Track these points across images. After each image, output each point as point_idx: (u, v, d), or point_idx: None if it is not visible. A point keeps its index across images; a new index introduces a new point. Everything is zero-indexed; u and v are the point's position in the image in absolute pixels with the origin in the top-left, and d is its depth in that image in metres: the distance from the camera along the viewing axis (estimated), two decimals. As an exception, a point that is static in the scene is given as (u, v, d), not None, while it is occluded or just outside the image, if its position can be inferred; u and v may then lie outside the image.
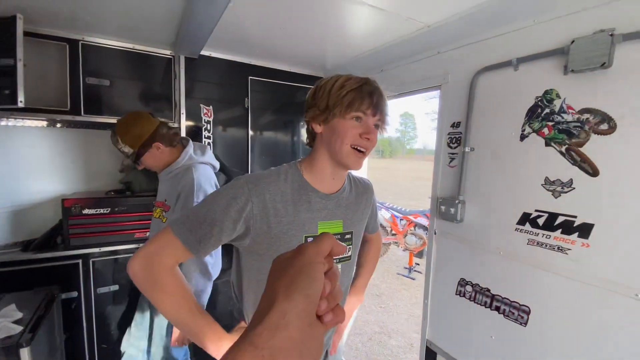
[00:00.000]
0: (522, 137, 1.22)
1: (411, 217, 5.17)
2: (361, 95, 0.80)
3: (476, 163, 1.40)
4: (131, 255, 1.82)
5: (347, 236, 0.95)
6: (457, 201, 1.44)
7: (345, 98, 0.80)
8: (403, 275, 4.86)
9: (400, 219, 5.30)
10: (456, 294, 1.50)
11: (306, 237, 0.85)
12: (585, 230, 1.05)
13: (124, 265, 1.87)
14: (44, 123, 1.93)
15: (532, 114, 1.19)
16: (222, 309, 2.05)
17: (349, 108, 0.80)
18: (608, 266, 1.01)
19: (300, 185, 0.85)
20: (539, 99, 1.17)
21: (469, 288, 1.44)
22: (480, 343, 1.39)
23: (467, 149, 1.41)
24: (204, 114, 1.94)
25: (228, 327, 0.83)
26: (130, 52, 1.82)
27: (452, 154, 1.51)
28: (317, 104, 0.84)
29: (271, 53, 1.99)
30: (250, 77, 2.10)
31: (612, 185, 1.00)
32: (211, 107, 1.96)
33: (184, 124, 1.90)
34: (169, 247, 0.76)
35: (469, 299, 1.43)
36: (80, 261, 1.76)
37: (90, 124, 1.87)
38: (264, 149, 2.29)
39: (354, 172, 0.98)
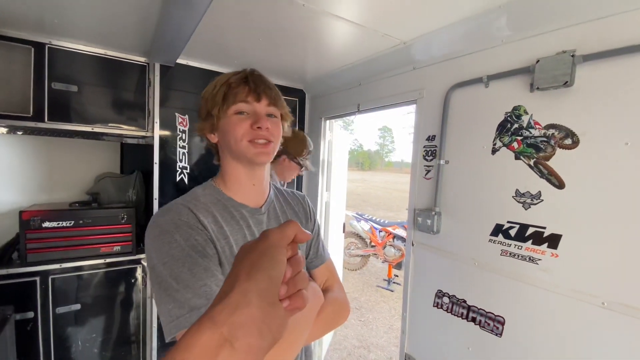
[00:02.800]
0: (494, 151, 1.26)
1: (390, 229, 5.22)
2: (233, 86, 0.72)
3: (451, 175, 1.43)
4: (97, 271, 1.75)
5: None
6: (433, 212, 1.46)
7: (218, 95, 0.72)
8: (382, 288, 4.86)
9: (380, 231, 5.33)
10: (434, 306, 1.50)
11: None
12: (554, 240, 1.09)
13: (87, 282, 1.75)
14: (4, 130, 1.80)
15: (503, 128, 1.23)
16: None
17: (225, 103, 0.71)
18: (576, 275, 1.05)
19: (225, 203, 0.76)
20: (509, 114, 1.22)
21: (446, 300, 1.45)
22: (457, 355, 1.39)
23: (442, 162, 1.44)
24: (179, 123, 1.89)
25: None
26: (102, 58, 1.75)
27: (428, 166, 1.54)
28: (201, 113, 0.78)
29: (250, 64, 1.97)
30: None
31: (577, 197, 1.05)
32: (187, 116, 1.91)
33: (158, 133, 1.83)
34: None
35: (446, 310, 1.44)
36: (37, 278, 1.62)
37: (54, 131, 1.77)
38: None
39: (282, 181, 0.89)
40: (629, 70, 0.94)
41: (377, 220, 5.56)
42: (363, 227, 5.44)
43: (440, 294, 1.47)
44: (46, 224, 1.65)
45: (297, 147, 1.81)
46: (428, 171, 1.55)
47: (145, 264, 1.88)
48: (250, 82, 0.73)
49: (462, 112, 1.40)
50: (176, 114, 1.89)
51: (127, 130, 1.82)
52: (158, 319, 1.88)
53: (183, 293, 0.58)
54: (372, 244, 5.34)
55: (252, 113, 0.73)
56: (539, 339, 1.13)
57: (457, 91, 1.41)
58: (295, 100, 2.42)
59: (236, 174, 0.78)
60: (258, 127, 0.71)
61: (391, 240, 5.14)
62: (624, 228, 0.95)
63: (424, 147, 1.56)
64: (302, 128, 2.48)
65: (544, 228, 1.11)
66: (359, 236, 5.56)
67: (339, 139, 2.63)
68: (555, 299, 1.09)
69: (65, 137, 1.98)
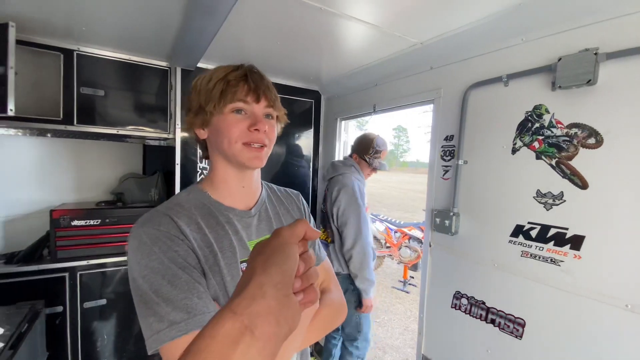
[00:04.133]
0: (514, 151, 1.24)
1: (405, 230, 5.17)
2: (232, 83, 0.68)
3: (469, 175, 1.42)
4: (121, 268, 1.82)
5: None
6: (451, 213, 1.45)
7: (215, 90, 0.67)
8: (397, 289, 4.82)
9: (395, 232, 5.29)
10: (451, 307, 1.49)
11: (241, 262, 0.70)
12: (576, 242, 1.07)
13: (111, 279, 1.82)
14: (35, 132, 1.90)
15: (523, 128, 1.22)
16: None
17: (223, 100, 0.67)
18: (599, 277, 1.02)
19: (210, 207, 0.71)
20: (529, 113, 1.20)
21: (464, 301, 1.43)
22: (475, 357, 1.38)
23: (460, 162, 1.43)
24: (199, 125, 1.94)
25: None
26: (126, 63, 1.82)
27: (446, 166, 1.53)
28: (191, 106, 0.72)
29: (267, 66, 2.02)
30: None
31: (601, 197, 1.02)
32: (206, 118, 1.97)
33: (179, 135, 1.89)
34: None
35: (465, 312, 1.43)
36: (67, 274, 1.71)
37: (82, 134, 1.86)
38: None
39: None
40: None
41: (392, 221, 5.52)
42: (378, 227, 5.41)
43: (458, 295, 1.46)
44: (75, 223, 1.73)
45: (363, 146, 2.02)
46: (446, 171, 1.54)
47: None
48: (250, 80, 0.69)
49: (480, 112, 1.39)
50: (196, 116, 1.94)
51: (149, 132, 1.89)
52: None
53: (163, 307, 0.56)
54: (388, 244, 5.31)
55: (250, 113, 0.69)
56: (561, 341, 1.10)
57: (476, 90, 1.40)
58: (311, 101, 2.45)
59: (225, 175, 0.73)
60: (255, 129, 0.67)
61: (407, 241, 5.09)
62: (651, 229, 0.92)
63: (442, 147, 1.56)
64: (317, 129, 2.50)
65: (567, 229, 1.09)
66: (374, 237, 5.54)
67: (353, 139, 2.64)
68: (577, 301, 1.06)
69: (92, 139, 2.07)
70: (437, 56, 1.55)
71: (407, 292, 4.69)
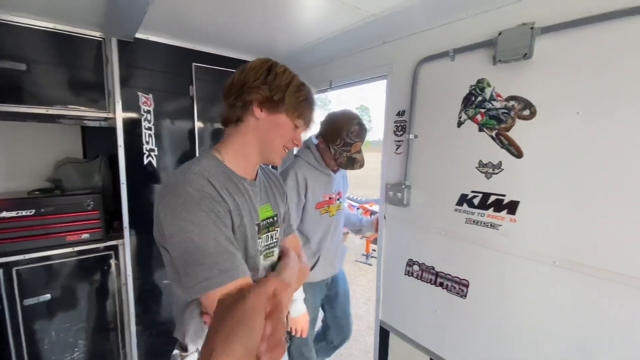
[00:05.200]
0: (459, 124, 1.30)
1: (367, 206, 5.34)
2: (311, 109, 0.88)
3: (420, 149, 1.47)
4: (66, 260, 1.68)
5: (275, 219, 0.95)
6: (403, 186, 1.51)
7: (301, 105, 0.84)
8: (361, 262, 5.03)
9: (357, 208, 5.44)
10: (405, 274, 1.58)
11: (256, 225, 0.85)
12: (512, 207, 1.16)
13: (57, 272, 1.69)
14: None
15: (468, 102, 1.27)
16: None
17: (300, 116, 0.85)
18: (531, 238, 1.13)
19: (229, 175, 0.81)
20: (473, 87, 1.25)
21: (416, 267, 1.52)
22: (427, 318, 1.49)
23: (411, 136, 1.47)
24: (142, 104, 1.79)
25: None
26: (52, 33, 1.60)
27: (398, 141, 1.57)
28: (272, 90, 0.80)
29: (216, 38, 1.89)
30: (194, 64, 1.98)
31: (533, 165, 1.11)
32: (151, 95, 1.82)
33: (120, 114, 1.73)
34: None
35: (417, 277, 1.52)
36: (0, 270, 1.55)
37: (3, 114, 1.64)
38: (215, 142, 2.19)
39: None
40: (582, 41, 0.98)
41: (355, 198, 5.66)
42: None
43: (411, 263, 1.55)
44: (4, 214, 1.55)
45: (330, 131, 1.56)
46: (398, 146, 1.58)
47: (123, 248, 1.83)
48: (314, 113, 0.91)
49: (430, 87, 1.43)
50: (139, 93, 1.79)
51: (85, 112, 1.71)
52: (136, 304, 1.86)
53: (211, 257, 0.65)
54: (351, 221, 5.45)
55: (299, 130, 0.89)
56: (499, 297, 1.22)
57: (426, 65, 1.43)
58: (266, 77, 2.35)
59: (250, 154, 0.85)
60: (296, 144, 0.89)
61: (369, 216, 5.27)
62: (573, 193, 1.02)
63: (395, 122, 1.59)
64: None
65: (504, 196, 1.18)
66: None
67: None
68: (513, 260, 1.17)
69: (18, 120, 1.83)
70: (389, 30, 1.54)
71: (370, 265, 4.91)
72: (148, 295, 1.93)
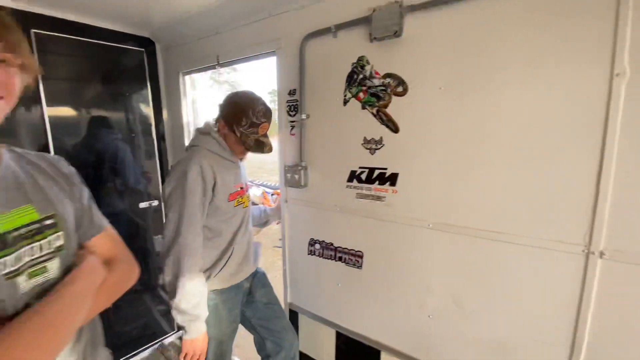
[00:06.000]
0: (345, 102, 1.32)
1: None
2: None
3: (312, 129, 1.46)
4: None
5: (48, 222, 0.65)
6: (300, 167, 1.48)
7: None
8: (278, 247, 5.02)
9: (272, 194, 5.37)
10: (308, 254, 1.59)
11: None
12: (393, 179, 1.24)
13: None
14: None
15: (351, 79, 1.29)
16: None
17: None
18: (410, 206, 1.23)
19: None
20: (355, 65, 1.27)
21: (317, 246, 1.54)
22: (330, 293, 1.54)
23: (303, 117, 1.44)
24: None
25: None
26: None
27: (292, 122, 1.53)
28: None
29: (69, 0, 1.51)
30: (33, 31, 1.55)
31: (408, 139, 1.19)
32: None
33: None
34: None
35: (319, 255, 1.54)
36: None
37: None
38: (77, 132, 1.81)
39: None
40: (447, 21, 1.05)
41: (269, 184, 5.57)
42: (255, 193, 5.38)
43: (312, 242, 1.56)
44: None
45: (233, 112, 1.34)
46: (293, 127, 1.54)
47: None
48: None
49: (317, 64, 1.40)
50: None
51: None
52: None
53: None
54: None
55: None
56: (388, 263, 1.32)
57: (312, 42, 1.39)
58: (142, 50, 2.02)
59: None
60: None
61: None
62: (442, 161, 1.13)
63: (287, 102, 1.53)
64: (156, 85, 2.12)
65: (386, 169, 1.26)
66: (252, 203, 5.49)
67: (208, 98, 2.38)
68: (396, 227, 1.27)
69: None
70: (273, 2, 1.45)
71: (288, 248, 4.95)
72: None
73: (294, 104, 1.50)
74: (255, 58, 1.71)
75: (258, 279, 1.59)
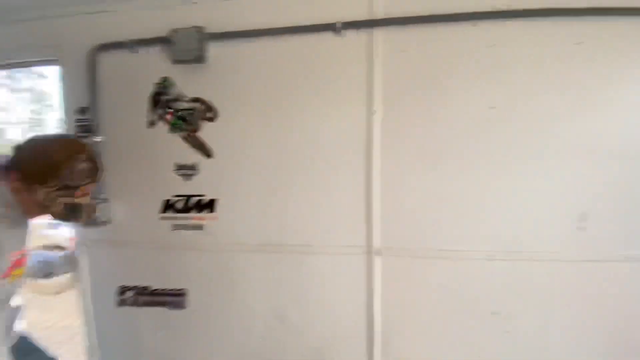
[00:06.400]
0: (151, 124, 1.19)
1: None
2: None
3: (112, 154, 1.23)
4: None
5: None
6: (97, 200, 1.22)
7: None
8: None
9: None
10: (118, 306, 1.30)
11: None
12: (212, 205, 1.19)
13: None
14: None
15: (156, 100, 1.18)
16: None
17: None
18: (233, 230, 1.20)
19: None
20: (160, 85, 1.17)
21: (129, 294, 1.29)
22: (151, 344, 1.30)
23: (98, 139, 1.21)
24: None
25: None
26: None
27: (86, 145, 1.26)
28: None
29: None
30: None
31: (224, 164, 1.18)
32: None
33: None
34: None
35: (132, 304, 1.29)
36: None
37: None
38: None
39: None
40: (251, 51, 1.11)
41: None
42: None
43: (122, 290, 1.29)
44: None
45: (38, 167, 0.83)
46: (87, 151, 1.26)
47: None
48: None
49: (116, 80, 1.22)
50: None
51: None
52: None
53: None
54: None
55: None
56: (214, 295, 1.24)
57: (106, 54, 1.20)
58: None
59: None
60: None
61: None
62: (259, 183, 1.16)
63: (76, 121, 1.25)
64: None
65: (204, 196, 1.19)
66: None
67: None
68: (219, 256, 1.21)
69: None
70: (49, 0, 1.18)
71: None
72: None
73: (86, 123, 1.24)
74: (30, 65, 1.35)
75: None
